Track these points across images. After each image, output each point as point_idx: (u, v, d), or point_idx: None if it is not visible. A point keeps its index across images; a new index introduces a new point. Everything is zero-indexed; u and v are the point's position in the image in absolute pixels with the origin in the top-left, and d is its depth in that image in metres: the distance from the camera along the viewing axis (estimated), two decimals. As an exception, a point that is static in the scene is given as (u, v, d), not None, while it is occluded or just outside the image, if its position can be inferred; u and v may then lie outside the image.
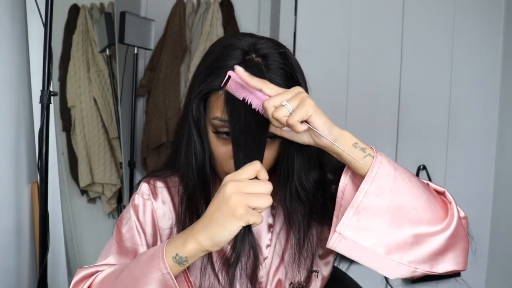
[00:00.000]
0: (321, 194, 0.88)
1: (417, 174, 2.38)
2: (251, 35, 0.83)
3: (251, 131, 0.74)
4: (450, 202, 0.77)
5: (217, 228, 0.69)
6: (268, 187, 0.70)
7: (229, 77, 0.75)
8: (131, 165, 2.37)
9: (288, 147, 0.84)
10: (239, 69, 0.74)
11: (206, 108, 0.82)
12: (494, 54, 2.40)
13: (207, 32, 2.49)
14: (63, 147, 2.06)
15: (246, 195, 0.68)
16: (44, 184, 1.38)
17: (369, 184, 0.71)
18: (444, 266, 0.74)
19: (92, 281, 0.81)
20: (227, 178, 0.70)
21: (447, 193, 0.79)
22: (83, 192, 2.19)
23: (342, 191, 0.77)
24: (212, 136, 0.82)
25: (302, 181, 0.85)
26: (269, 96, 0.71)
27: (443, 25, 2.38)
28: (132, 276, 0.76)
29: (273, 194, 0.76)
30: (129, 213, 0.92)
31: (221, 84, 0.77)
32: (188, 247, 0.71)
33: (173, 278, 0.72)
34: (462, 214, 0.78)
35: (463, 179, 2.42)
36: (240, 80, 0.74)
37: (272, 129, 0.78)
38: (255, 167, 0.70)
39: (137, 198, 0.93)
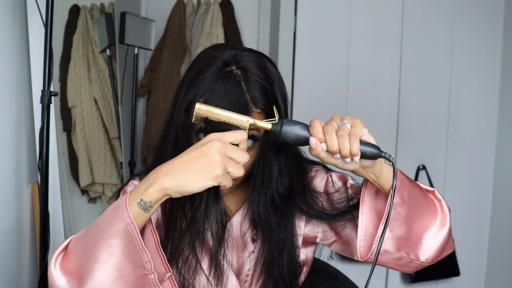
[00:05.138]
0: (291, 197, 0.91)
1: (417, 174, 2.38)
2: (233, 47, 0.86)
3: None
4: (440, 200, 0.87)
5: (189, 178, 0.70)
6: (246, 158, 0.73)
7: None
8: (132, 165, 2.37)
9: (267, 156, 0.86)
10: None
11: (190, 115, 0.85)
12: (493, 54, 2.40)
13: (207, 32, 2.49)
14: (64, 147, 2.06)
15: (228, 159, 0.71)
16: (44, 184, 1.38)
17: (393, 197, 0.77)
18: (446, 252, 0.86)
19: (69, 241, 0.82)
20: (214, 135, 0.72)
21: (436, 192, 0.88)
22: (84, 192, 2.20)
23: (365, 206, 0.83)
24: (195, 141, 0.85)
25: (278, 188, 0.88)
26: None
27: (443, 25, 2.38)
28: (98, 228, 0.76)
29: (245, 198, 0.91)
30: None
31: (199, 96, 0.81)
32: (152, 191, 0.71)
33: (137, 229, 0.72)
34: (447, 208, 0.88)
35: (462, 179, 2.42)
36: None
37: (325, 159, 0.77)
38: (242, 135, 0.73)
39: (130, 187, 0.97)
